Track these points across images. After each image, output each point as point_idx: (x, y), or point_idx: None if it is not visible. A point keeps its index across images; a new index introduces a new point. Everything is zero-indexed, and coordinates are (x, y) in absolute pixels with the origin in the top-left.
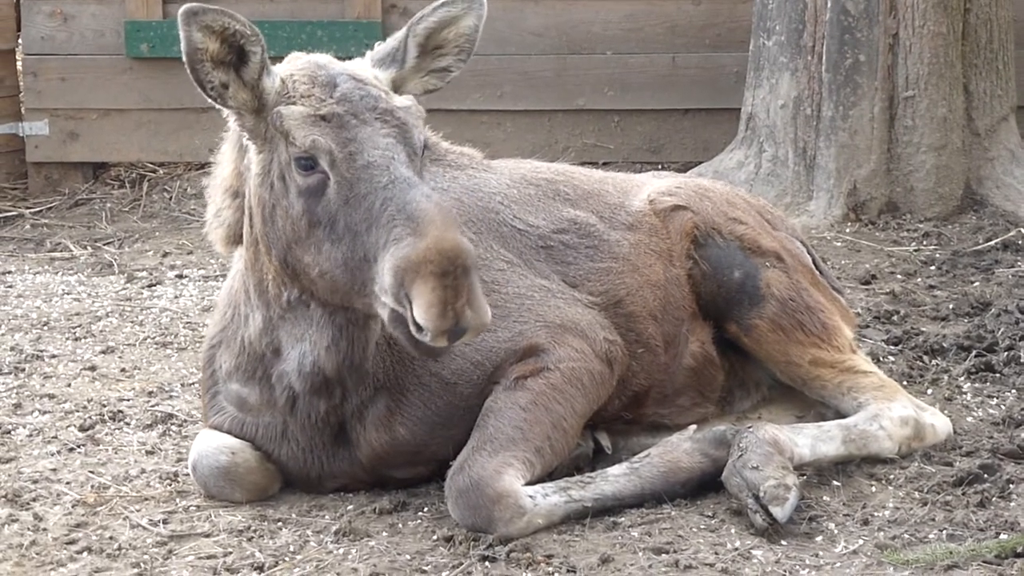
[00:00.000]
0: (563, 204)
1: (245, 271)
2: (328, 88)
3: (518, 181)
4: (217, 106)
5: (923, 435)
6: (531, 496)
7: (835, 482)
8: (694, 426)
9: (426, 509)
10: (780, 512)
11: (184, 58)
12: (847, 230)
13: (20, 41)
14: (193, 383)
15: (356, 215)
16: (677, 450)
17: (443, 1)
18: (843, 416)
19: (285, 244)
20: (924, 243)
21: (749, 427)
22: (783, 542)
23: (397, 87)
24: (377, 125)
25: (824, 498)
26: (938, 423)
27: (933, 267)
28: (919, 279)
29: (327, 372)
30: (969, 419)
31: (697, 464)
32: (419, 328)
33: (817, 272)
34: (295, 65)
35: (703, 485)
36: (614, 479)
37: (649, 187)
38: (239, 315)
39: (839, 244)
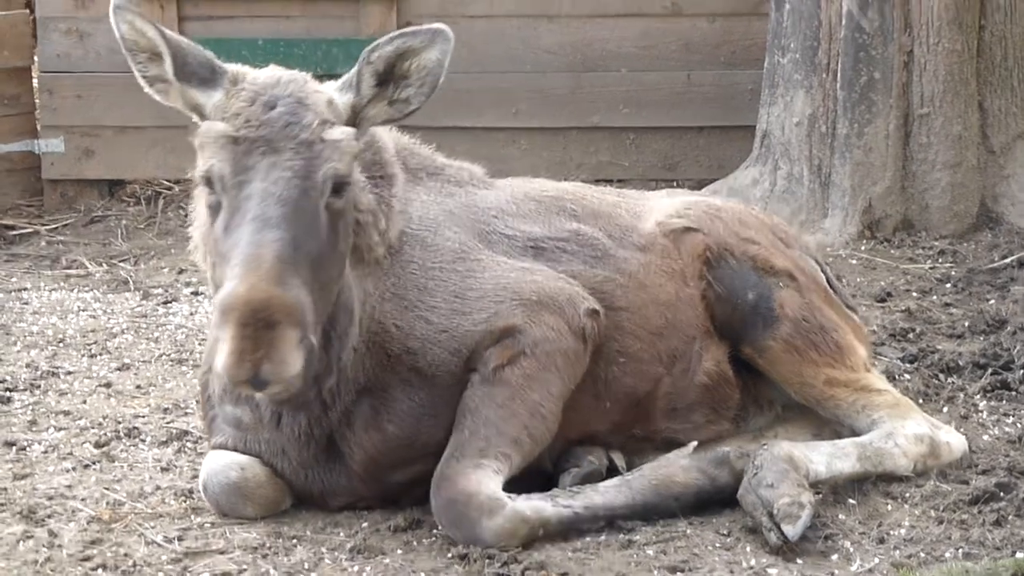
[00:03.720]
0: (567, 219)
1: (210, 281)
2: (262, 109)
3: (520, 198)
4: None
5: (938, 453)
6: (513, 499)
7: (851, 500)
8: (694, 443)
9: (440, 526)
10: (792, 530)
11: (122, 47)
12: (862, 248)
13: (36, 59)
14: None
15: (227, 244)
16: (672, 465)
17: (402, 32)
18: (858, 434)
19: (213, 259)
20: (939, 261)
21: (764, 444)
22: (799, 560)
23: (356, 113)
24: (286, 155)
25: (840, 516)
26: (953, 441)
27: (948, 285)
28: (934, 297)
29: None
30: (985, 437)
31: (693, 480)
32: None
33: (831, 290)
34: (255, 79)
35: (700, 503)
36: (605, 490)
37: (659, 209)
38: None
39: (854, 262)
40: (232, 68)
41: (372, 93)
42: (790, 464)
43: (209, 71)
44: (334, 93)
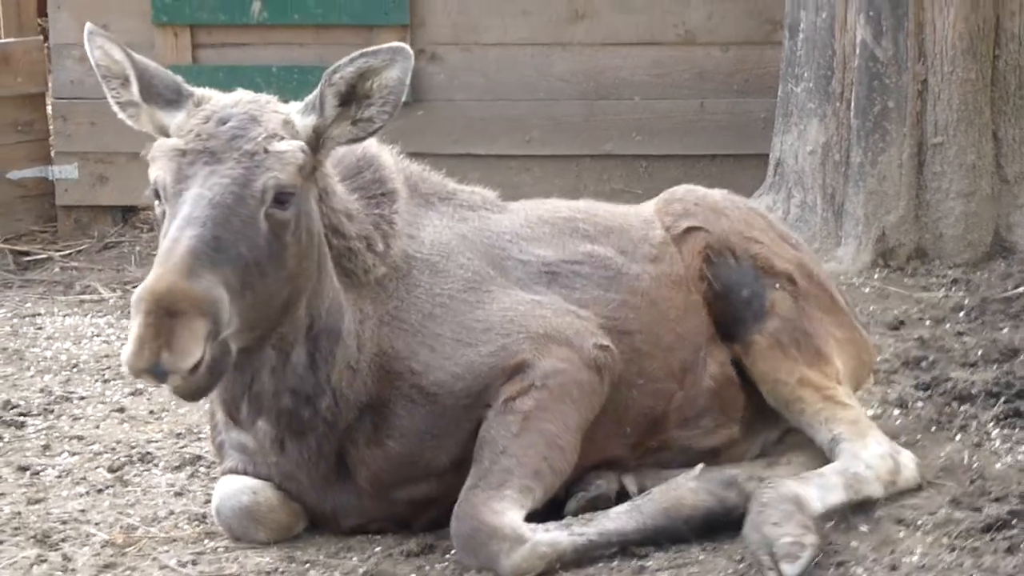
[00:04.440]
0: (580, 240)
1: None
2: (215, 124)
3: (533, 221)
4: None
5: (899, 475)
6: (532, 530)
7: (863, 527)
8: (701, 465)
9: (452, 551)
10: (790, 568)
11: (96, 72)
12: (876, 276)
13: (50, 85)
14: None
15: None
16: (681, 488)
17: (363, 51)
18: (815, 440)
19: None
20: (953, 289)
21: (769, 483)
22: None
23: (319, 134)
24: (229, 164)
25: (852, 543)
26: (905, 465)
27: (962, 313)
28: (948, 325)
29: (288, 406)
30: (998, 465)
31: (702, 502)
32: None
33: (838, 297)
34: (214, 101)
35: (709, 524)
36: (616, 516)
37: (667, 211)
38: None
39: (867, 290)
40: (199, 91)
41: (335, 113)
42: (795, 504)
43: (175, 93)
44: (294, 115)
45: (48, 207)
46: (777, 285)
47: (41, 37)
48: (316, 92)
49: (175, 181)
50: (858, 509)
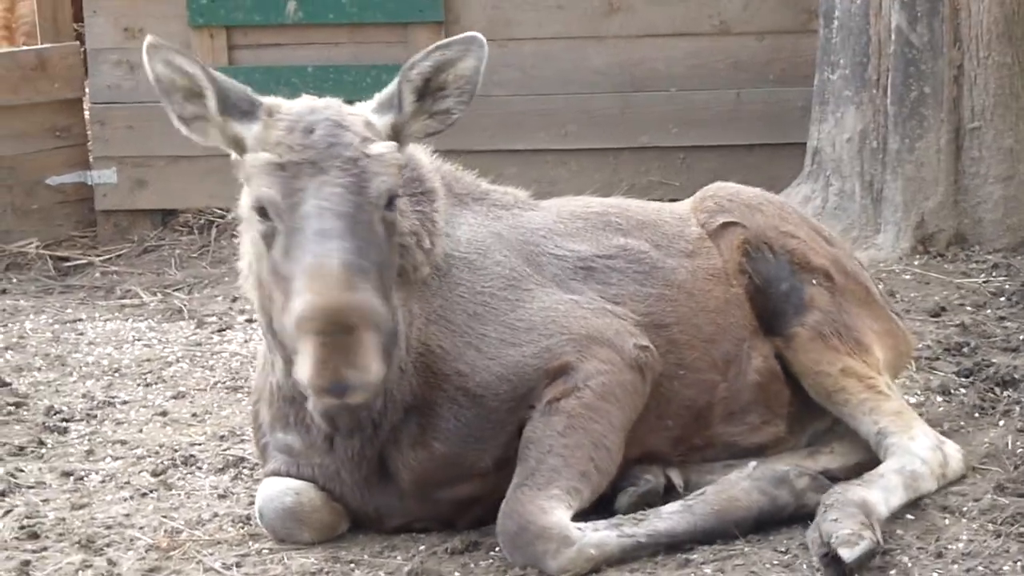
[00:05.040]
0: (614, 234)
1: (258, 312)
2: (302, 135)
3: (566, 216)
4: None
5: (949, 468)
6: (580, 529)
7: (908, 515)
8: (753, 463)
9: (497, 548)
10: (848, 553)
11: (154, 86)
12: (915, 263)
13: (87, 90)
14: None
15: (289, 265)
16: (735, 488)
17: (438, 44)
18: (858, 430)
19: (268, 285)
20: (993, 274)
21: (836, 488)
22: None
23: (398, 131)
24: (334, 174)
25: (897, 531)
26: (953, 457)
27: (1003, 298)
28: (989, 311)
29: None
30: None
31: (755, 503)
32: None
33: (874, 292)
34: (290, 108)
35: (760, 524)
36: (667, 516)
37: (701, 208)
38: (267, 363)
39: (908, 277)
40: (267, 100)
41: (412, 109)
42: (862, 508)
43: (248, 104)
44: (370, 114)
45: (87, 212)
46: (814, 281)
47: (78, 42)
48: (391, 89)
49: (285, 196)
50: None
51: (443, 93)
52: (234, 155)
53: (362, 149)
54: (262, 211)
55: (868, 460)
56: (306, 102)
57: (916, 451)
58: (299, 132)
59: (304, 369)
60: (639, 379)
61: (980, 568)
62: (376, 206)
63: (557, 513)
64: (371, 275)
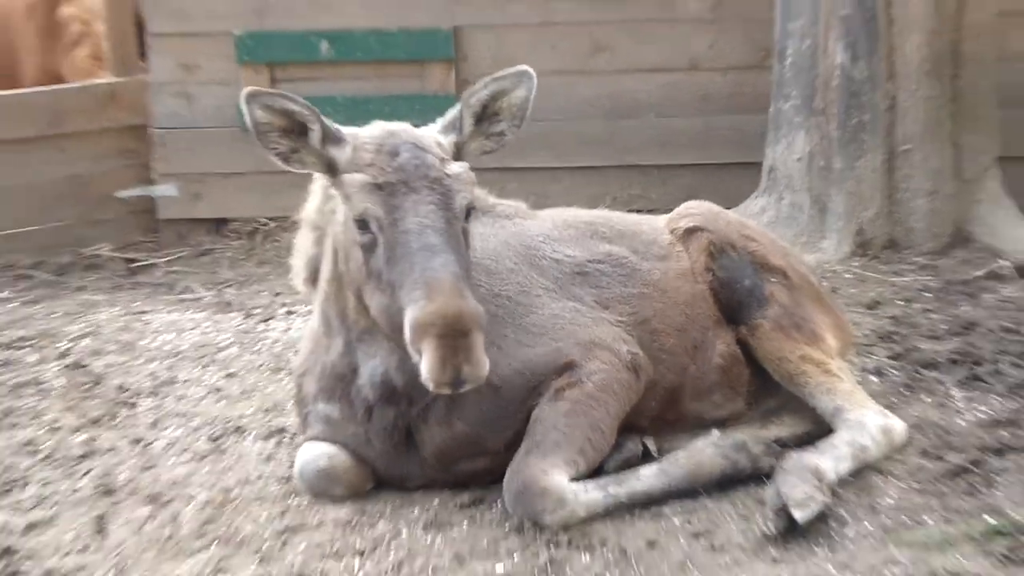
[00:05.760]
0: (600, 241)
1: (326, 303)
2: (390, 157)
3: (559, 224)
4: (296, 168)
5: (893, 439)
6: (573, 491)
7: (848, 477)
8: (717, 432)
9: (499, 503)
10: (800, 514)
11: (252, 131)
12: (855, 264)
13: (151, 117)
14: None
15: (394, 273)
16: (701, 454)
17: (494, 76)
18: (817, 408)
19: (356, 283)
20: (920, 274)
21: (792, 454)
22: (802, 525)
23: (459, 150)
24: (424, 193)
25: (838, 489)
26: (897, 428)
27: (928, 294)
28: (916, 305)
29: (396, 384)
30: (959, 422)
31: (718, 466)
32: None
33: (821, 291)
34: (369, 133)
35: (722, 484)
36: (644, 478)
37: (672, 217)
38: (320, 346)
39: (848, 276)
40: (345, 129)
41: (471, 131)
42: (814, 475)
43: (336, 131)
44: (437, 135)
45: (151, 221)
46: (773, 279)
47: (143, 77)
48: (452, 114)
49: (387, 213)
50: None
51: (498, 118)
52: (323, 176)
53: (443, 169)
54: (363, 224)
55: (813, 430)
56: (381, 127)
57: (867, 425)
58: (386, 154)
59: (427, 366)
60: (634, 378)
61: (905, 520)
62: (459, 219)
63: (556, 478)
64: (468, 281)
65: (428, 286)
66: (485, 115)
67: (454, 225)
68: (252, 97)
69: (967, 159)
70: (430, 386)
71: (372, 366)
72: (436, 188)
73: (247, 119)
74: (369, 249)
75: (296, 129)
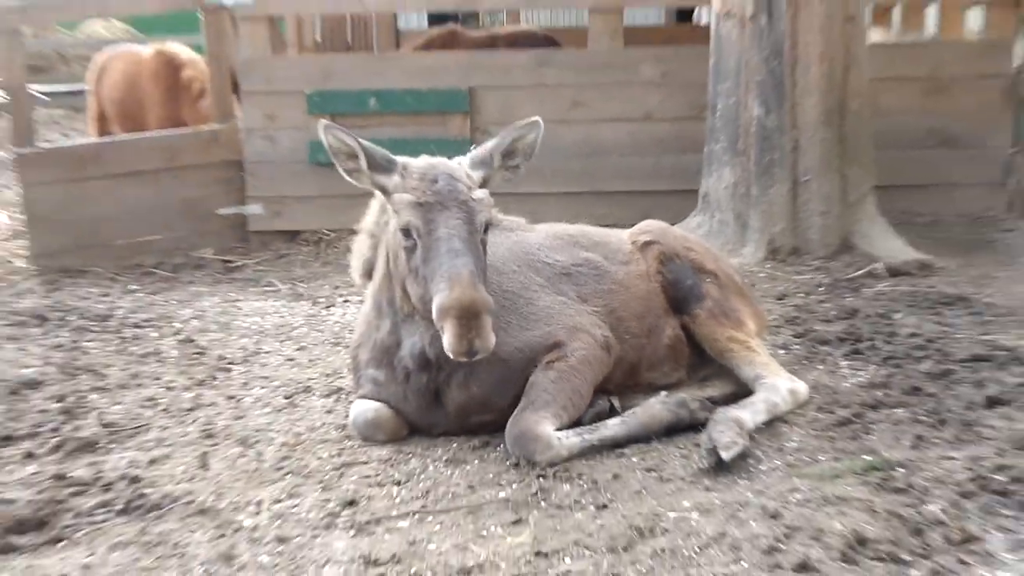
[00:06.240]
0: (580, 249)
1: (379, 293)
2: (431, 183)
3: (550, 236)
4: (356, 183)
5: (797, 397)
6: (558, 437)
7: (761, 426)
8: (664, 393)
9: (501, 447)
10: (726, 454)
11: (328, 151)
12: (767, 266)
13: (244, 154)
14: None
15: (427, 269)
16: (653, 409)
17: (515, 126)
18: (741, 377)
19: (401, 278)
20: (816, 273)
21: (720, 410)
22: (727, 461)
23: (486, 181)
24: (454, 211)
25: (754, 435)
26: (801, 389)
27: (822, 289)
28: (813, 296)
29: (430, 356)
30: (845, 384)
31: (665, 418)
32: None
33: (743, 287)
34: (416, 164)
35: (670, 431)
36: (611, 427)
37: (633, 232)
38: (372, 326)
39: (762, 275)
40: (400, 159)
41: (499, 165)
42: (737, 424)
43: (387, 162)
44: (468, 168)
45: (243, 232)
46: (708, 280)
47: (237, 123)
48: (482, 153)
49: (424, 224)
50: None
51: (514, 155)
52: (379, 195)
53: (469, 194)
54: (407, 232)
55: (738, 391)
56: (425, 160)
57: (778, 388)
58: (427, 181)
59: (448, 340)
60: (605, 354)
61: (805, 458)
62: (479, 232)
63: (546, 426)
64: (482, 278)
65: (451, 279)
66: (507, 154)
67: (475, 236)
68: (326, 128)
69: (851, 188)
70: (450, 355)
71: (412, 342)
72: (463, 208)
73: (324, 143)
74: (411, 251)
75: (354, 155)
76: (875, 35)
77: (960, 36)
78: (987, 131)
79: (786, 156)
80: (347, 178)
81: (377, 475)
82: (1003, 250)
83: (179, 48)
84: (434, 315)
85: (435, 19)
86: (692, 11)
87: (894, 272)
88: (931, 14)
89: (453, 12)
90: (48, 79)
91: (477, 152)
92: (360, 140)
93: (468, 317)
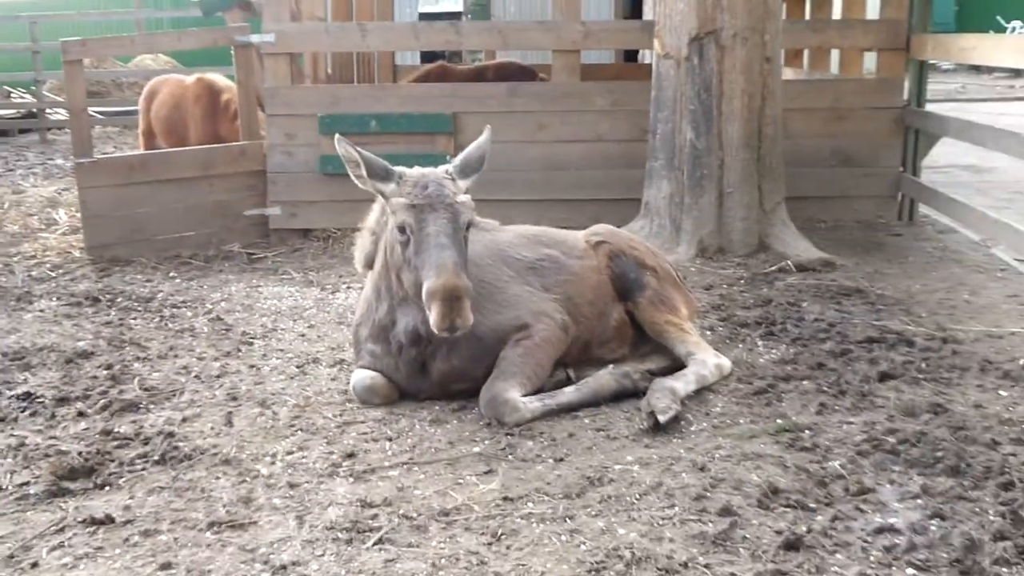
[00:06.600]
0: (542, 246)
1: (378, 280)
2: (422, 188)
3: (519, 235)
4: (362, 187)
5: (723, 371)
6: (524, 402)
7: (692, 395)
8: (611, 365)
9: (476, 410)
10: (663, 417)
11: (343, 160)
12: (697, 262)
13: (267, 165)
14: None
15: (418, 260)
16: (602, 379)
17: (478, 144)
18: (676, 353)
19: (397, 267)
20: (737, 269)
21: (657, 380)
22: (663, 423)
23: (464, 186)
24: (441, 211)
25: (686, 402)
26: (726, 364)
27: (742, 281)
28: (735, 288)
29: (421, 332)
30: (761, 360)
31: (613, 386)
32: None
33: (678, 280)
34: (411, 172)
35: (616, 398)
36: (567, 394)
37: (586, 234)
38: (371, 308)
39: (693, 270)
40: (397, 169)
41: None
42: (672, 392)
43: (384, 171)
44: (456, 175)
45: (265, 230)
46: (648, 273)
47: (262, 140)
48: (456, 164)
49: (416, 223)
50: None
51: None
52: (379, 198)
53: (454, 198)
54: (402, 229)
55: (672, 365)
56: (418, 171)
57: (707, 363)
58: (419, 187)
59: (433, 318)
60: (564, 335)
61: (728, 421)
62: (462, 230)
63: (513, 393)
64: (464, 267)
65: (438, 268)
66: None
67: (459, 233)
68: (339, 141)
69: (766, 198)
70: (435, 331)
71: (405, 321)
72: (449, 209)
73: (339, 151)
74: (405, 245)
75: (359, 163)
76: (788, 73)
77: (859, 74)
78: (880, 153)
79: (713, 172)
80: (356, 182)
81: (372, 432)
82: (892, 251)
83: (217, 77)
84: (423, 298)
85: (427, 57)
86: (637, 52)
87: (801, 268)
88: (834, 56)
89: (441, 51)
90: (104, 102)
91: (458, 163)
92: (362, 152)
93: (451, 299)
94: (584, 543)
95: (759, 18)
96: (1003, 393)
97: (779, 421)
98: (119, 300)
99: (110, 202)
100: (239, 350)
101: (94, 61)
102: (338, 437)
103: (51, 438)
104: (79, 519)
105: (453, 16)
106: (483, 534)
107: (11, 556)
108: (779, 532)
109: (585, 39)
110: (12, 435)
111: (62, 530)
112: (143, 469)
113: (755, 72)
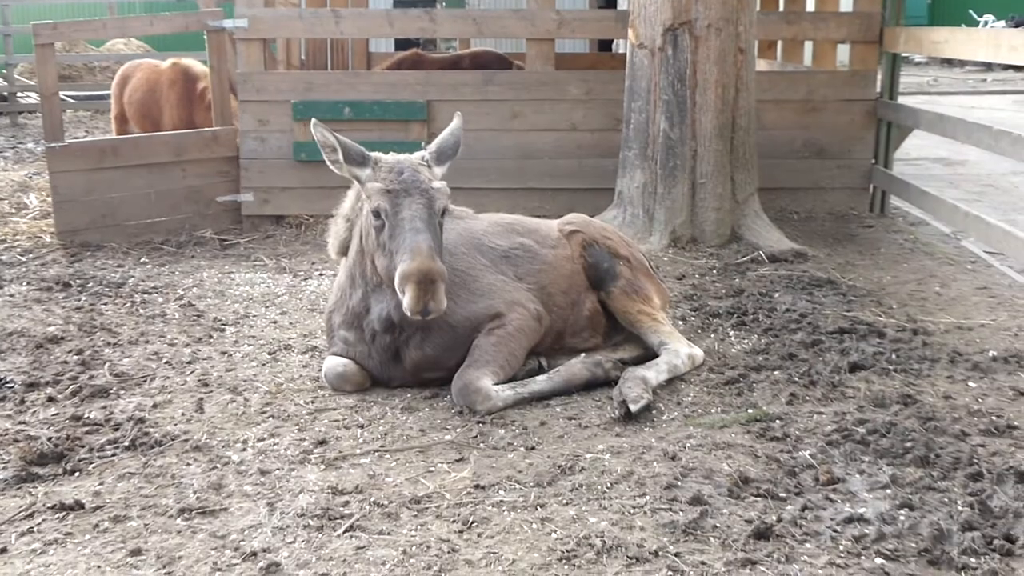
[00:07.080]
0: (516, 235)
1: (353, 267)
2: (397, 174)
3: (493, 224)
4: (338, 172)
5: (695, 360)
6: (496, 390)
7: (664, 384)
8: (584, 354)
9: (448, 397)
10: (634, 407)
11: (318, 145)
12: (670, 252)
13: (239, 151)
14: None
15: (393, 244)
16: (574, 368)
17: (451, 131)
18: (648, 343)
19: (371, 253)
20: (710, 259)
21: (629, 369)
22: (635, 412)
23: (440, 173)
24: (416, 196)
25: (657, 391)
26: (698, 354)
27: (714, 271)
28: (707, 278)
29: (394, 320)
30: (732, 350)
31: (584, 376)
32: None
33: (650, 270)
34: (387, 159)
35: (587, 386)
36: (540, 383)
37: (560, 223)
38: (345, 294)
39: (666, 259)
40: (373, 154)
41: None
42: (643, 381)
43: (361, 157)
44: (431, 161)
45: (237, 216)
46: (621, 263)
47: (235, 126)
48: (441, 150)
49: (392, 207)
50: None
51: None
52: (355, 183)
53: (429, 184)
54: (377, 214)
55: (645, 355)
56: (394, 156)
57: (679, 352)
58: (395, 173)
59: (407, 301)
60: (537, 324)
61: (699, 410)
62: (437, 216)
63: (485, 381)
64: (439, 252)
65: (412, 251)
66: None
67: (433, 218)
68: (315, 125)
69: (739, 189)
70: (408, 313)
71: (379, 308)
72: (424, 195)
73: (314, 137)
74: (380, 230)
75: (335, 148)
76: (762, 64)
77: (832, 67)
78: (852, 145)
79: (686, 162)
80: (332, 167)
81: (344, 419)
82: (864, 242)
83: (193, 62)
84: (396, 281)
85: (401, 44)
86: (611, 42)
87: (773, 259)
88: (808, 48)
89: (415, 38)
90: (76, 87)
91: (434, 150)
92: (339, 137)
93: (426, 282)
94: (555, 531)
95: (733, 9)
96: (972, 385)
97: (750, 411)
98: (90, 285)
99: (81, 187)
100: (210, 336)
101: (66, 45)
102: (310, 424)
103: (20, 423)
104: (48, 505)
105: (427, 3)
106: (454, 522)
107: None
108: (749, 521)
109: (559, 28)
110: None
111: (31, 516)
112: (113, 455)
113: (729, 63)
